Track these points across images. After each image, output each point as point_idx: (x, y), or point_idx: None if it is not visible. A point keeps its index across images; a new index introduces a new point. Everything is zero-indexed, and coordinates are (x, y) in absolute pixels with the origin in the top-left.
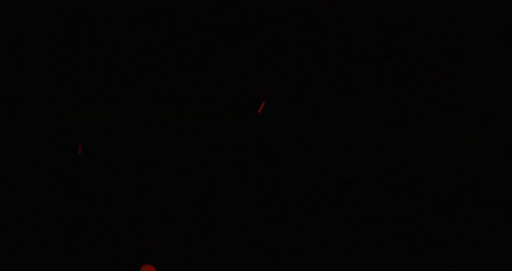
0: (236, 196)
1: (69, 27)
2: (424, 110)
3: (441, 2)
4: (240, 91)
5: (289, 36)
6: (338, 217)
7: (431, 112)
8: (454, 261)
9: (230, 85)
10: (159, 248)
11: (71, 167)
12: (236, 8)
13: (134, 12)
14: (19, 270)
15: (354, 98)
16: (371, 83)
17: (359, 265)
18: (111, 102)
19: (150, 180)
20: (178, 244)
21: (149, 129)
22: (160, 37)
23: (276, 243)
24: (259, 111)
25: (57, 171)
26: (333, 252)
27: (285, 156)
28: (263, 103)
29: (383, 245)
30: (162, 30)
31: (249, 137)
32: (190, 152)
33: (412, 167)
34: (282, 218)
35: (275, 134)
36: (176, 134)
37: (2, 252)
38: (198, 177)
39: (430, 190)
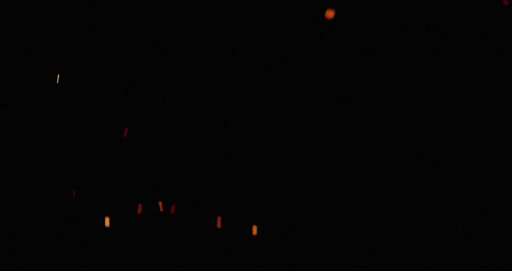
0: (236, 196)
1: (69, 27)
2: (424, 110)
3: (441, 2)
4: (240, 91)
5: (289, 36)
6: (338, 217)
7: (431, 112)
8: (454, 261)
9: (230, 85)
10: (159, 248)
11: (71, 167)
12: (236, 8)
13: (134, 12)
14: (19, 270)
15: (354, 98)
16: (371, 83)
17: (359, 265)
18: (111, 102)
19: (150, 180)
20: (178, 244)
21: (148, 129)
22: (160, 37)
23: (276, 243)
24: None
25: (57, 171)
26: (333, 252)
27: (285, 156)
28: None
29: (383, 245)
30: (162, 30)
31: (249, 137)
32: (190, 151)
33: (412, 167)
34: (282, 218)
35: (275, 134)
36: (176, 134)
37: (2, 252)
38: (200, 177)
39: (430, 190)
